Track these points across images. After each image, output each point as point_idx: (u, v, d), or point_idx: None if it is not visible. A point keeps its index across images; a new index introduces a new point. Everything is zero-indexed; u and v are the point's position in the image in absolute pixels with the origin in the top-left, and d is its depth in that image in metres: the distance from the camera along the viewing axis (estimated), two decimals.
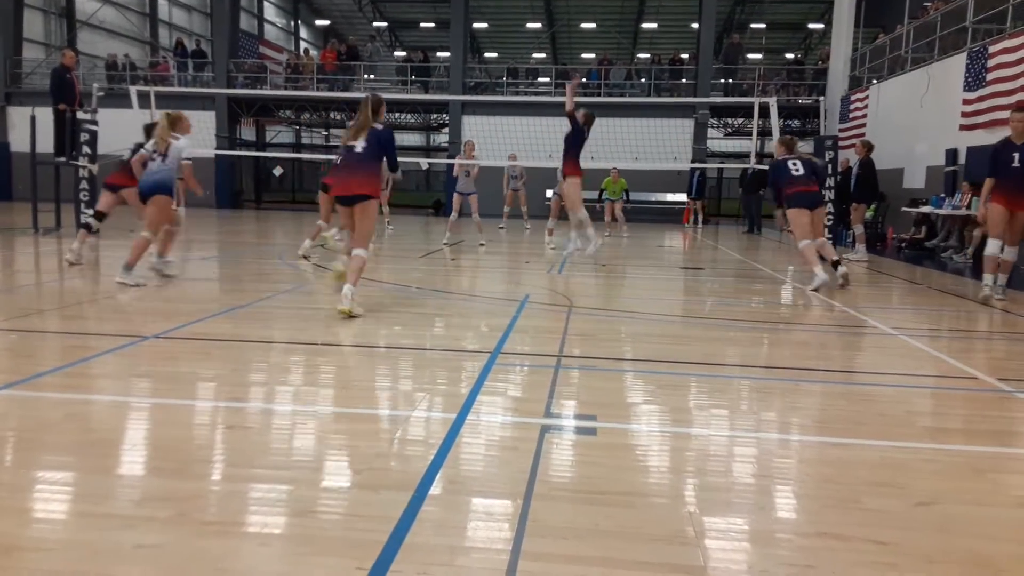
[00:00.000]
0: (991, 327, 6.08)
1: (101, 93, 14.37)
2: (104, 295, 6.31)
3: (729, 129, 25.10)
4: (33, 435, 2.91)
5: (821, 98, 16.82)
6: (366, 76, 24.17)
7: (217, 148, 21.38)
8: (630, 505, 2.39)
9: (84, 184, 11.78)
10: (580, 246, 9.54)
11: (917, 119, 14.31)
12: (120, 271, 6.59)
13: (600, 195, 16.23)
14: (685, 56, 23.79)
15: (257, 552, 2.04)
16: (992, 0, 12.32)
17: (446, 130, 24.80)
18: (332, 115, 26.00)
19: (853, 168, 12.01)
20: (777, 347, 5.12)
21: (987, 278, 6.97)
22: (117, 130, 12.46)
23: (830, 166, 12.66)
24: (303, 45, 36.62)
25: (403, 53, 34.35)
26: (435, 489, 2.45)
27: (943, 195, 12.73)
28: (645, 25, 34.77)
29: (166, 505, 2.28)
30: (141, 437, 2.97)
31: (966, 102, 12.38)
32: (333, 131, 33.16)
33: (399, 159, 5.76)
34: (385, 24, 37.55)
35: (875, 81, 17.00)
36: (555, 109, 17.22)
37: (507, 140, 17.97)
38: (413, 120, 25.96)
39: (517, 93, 23.53)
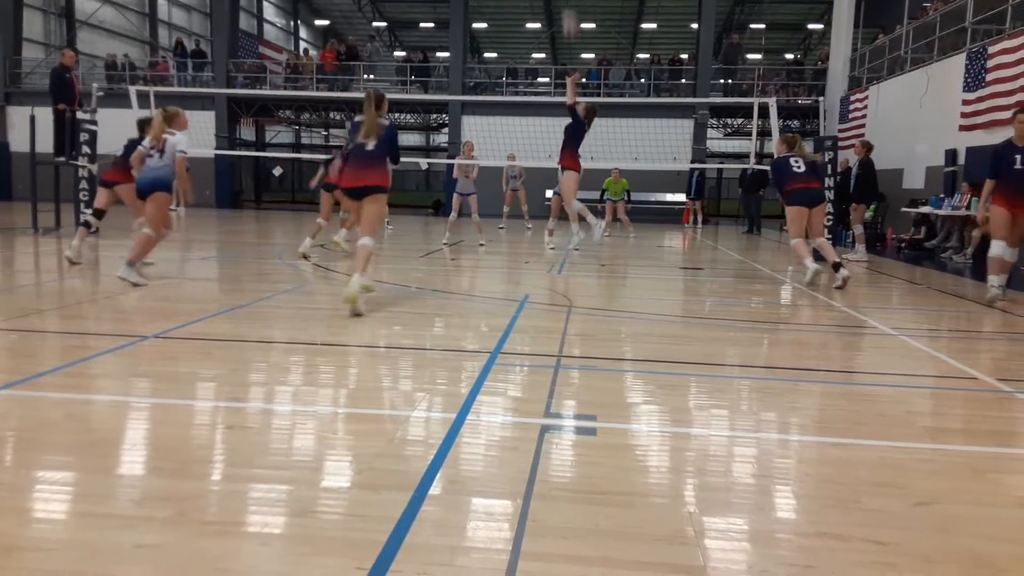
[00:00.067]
0: (991, 327, 6.09)
1: (101, 93, 14.39)
2: (104, 295, 6.31)
3: (729, 129, 25.10)
4: (33, 435, 2.90)
5: (820, 98, 16.84)
6: (365, 76, 24.18)
7: (217, 148, 21.38)
8: (630, 505, 2.39)
9: (84, 184, 11.77)
10: (584, 236, 9.53)
11: (916, 119, 14.31)
12: (122, 267, 6.56)
13: (602, 195, 16.23)
14: (685, 56, 23.79)
15: (257, 552, 2.04)
16: (991, 0, 12.33)
17: (446, 130, 24.81)
18: (332, 115, 26.01)
19: (853, 168, 12.03)
20: (777, 347, 5.13)
21: (993, 279, 6.92)
22: (117, 130, 12.39)
23: (829, 167, 12.66)
24: (303, 45, 36.67)
25: (403, 53, 34.37)
26: (435, 489, 2.45)
27: (943, 195, 12.73)
28: (645, 25, 34.78)
29: (166, 505, 2.28)
30: (141, 437, 2.97)
31: (965, 102, 12.39)
32: (333, 131, 33.16)
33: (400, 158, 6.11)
34: (385, 24, 37.55)
35: (875, 82, 17.01)
36: (555, 109, 17.27)
37: (506, 140, 17.96)
38: (413, 120, 25.95)
39: (517, 93, 23.53)
